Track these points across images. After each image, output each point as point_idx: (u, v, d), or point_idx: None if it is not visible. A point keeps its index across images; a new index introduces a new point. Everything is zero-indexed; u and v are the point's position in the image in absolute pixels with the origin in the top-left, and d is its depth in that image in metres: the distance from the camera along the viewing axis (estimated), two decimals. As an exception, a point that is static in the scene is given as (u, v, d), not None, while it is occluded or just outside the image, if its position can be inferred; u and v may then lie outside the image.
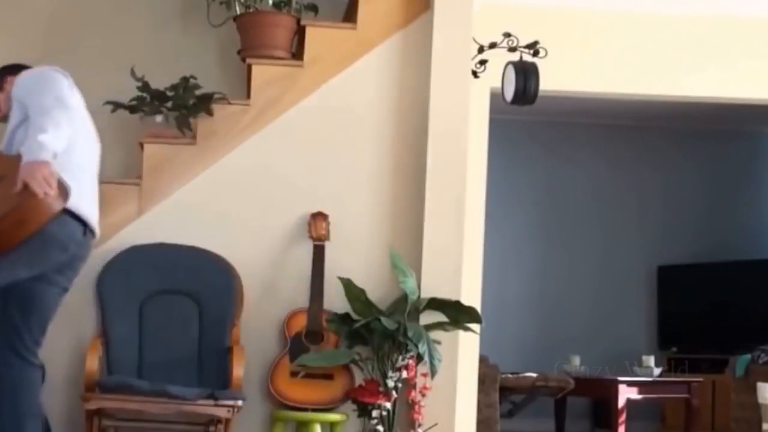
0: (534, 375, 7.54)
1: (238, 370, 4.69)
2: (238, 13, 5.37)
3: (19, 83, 3.99)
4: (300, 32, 5.33)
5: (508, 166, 9.70)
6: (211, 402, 4.46)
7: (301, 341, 4.88)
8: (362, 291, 4.86)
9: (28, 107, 3.86)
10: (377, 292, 4.96)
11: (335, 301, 4.88)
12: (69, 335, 4.83)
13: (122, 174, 5.28)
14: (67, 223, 3.87)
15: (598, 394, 8.48)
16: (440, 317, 4.91)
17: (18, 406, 3.90)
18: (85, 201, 3.97)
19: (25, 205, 3.60)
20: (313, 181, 5.12)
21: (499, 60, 5.67)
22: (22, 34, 5.64)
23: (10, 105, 4.08)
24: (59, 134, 3.73)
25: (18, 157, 3.68)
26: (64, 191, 3.69)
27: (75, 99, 4.02)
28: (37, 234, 3.69)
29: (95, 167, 4.16)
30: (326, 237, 5.01)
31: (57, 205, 3.66)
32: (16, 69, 4.21)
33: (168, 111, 5.14)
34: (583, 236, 10.17)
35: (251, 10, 5.35)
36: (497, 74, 5.71)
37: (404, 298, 4.87)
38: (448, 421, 4.92)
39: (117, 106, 5.14)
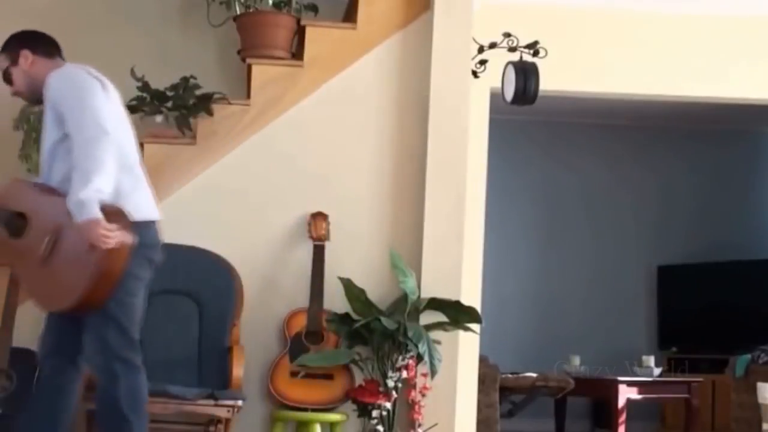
0: (534, 375, 7.54)
1: (238, 370, 4.69)
2: (238, 13, 5.38)
3: (53, 87, 3.79)
4: (300, 32, 5.33)
5: (508, 166, 9.70)
6: (211, 402, 4.46)
7: (301, 341, 4.88)
8: (362, 291, 4.86)
9: (66, 123, 3.73)
10: (377, 292, 4.97)
11: (335, 301, 4.88)
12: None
13: (122, 174, 5.28)
14: (150, 227, 3.84)
15: (598, 394, 8.48)
16: (440, 317, 4.91)
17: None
18: (149, 200, 3.92)
19: (102, 262, 3.60)
20: (313, 181, 5.13)
21: (499, 60, 5.67)
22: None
23: (27, 85, 3.92)
24: (106, 173, 3.62)
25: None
26: (126, 223, 3.66)
27: (113, 103, 3.87)
28: (137, 251, 3.70)
29: (138, 157, 4.04)
30: (326, 237, 5.01)
31: (127, 242, 3.65)
32: (34, 42, 3.96)
33: (168, 111, 5.14)
34: (583, 236, 10.17)
35: (251, 10, 5.36)
36: (497, 74, 5.71)
37: (404, 298, 4.87)
38: (448, 421, 4.92)
39: (117, 106, 5.13)
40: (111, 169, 3.64)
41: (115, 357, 3.68)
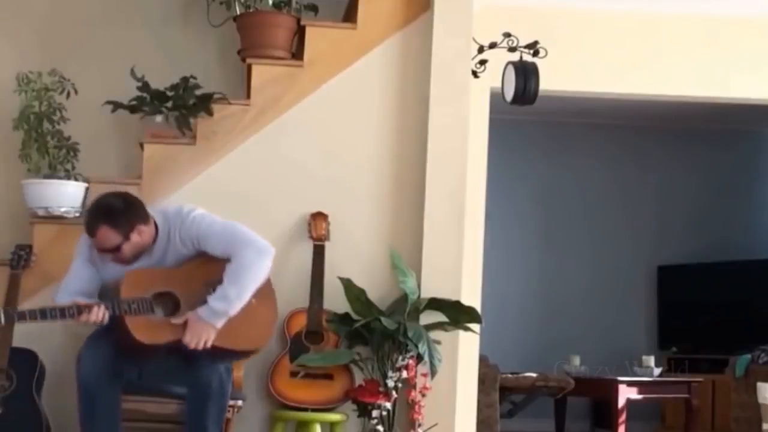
0: (534, 375, 7.55)
1: (238, 370, 4.68)
2: (238, 13, 5.37)
3: (195, 229, 4.07)
4: (300, 32, 5.33)
5: (508, 166, 9.70)
6: (212, 402, 4.45)
7: (301, 341, 4.88)
8: (362, 291, 4.86)
9: (221, 248, 4.09)
10: (377, 292, 4.96)
11: (335, 301, 4.88)
12: (69, 335, 4.82)
13: (122, 174, 5.29)
14: None
15: (598, 394, 8.49)
16: (440, 317, 4.91)
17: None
18: None
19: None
20: (313, 181, 5.12)
21: (499, 60, 5.67)
22: (22, 34, 5.63)
23: (133, 252, 4.04)
24: (243, 299, 4.01)
25: None
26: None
27: None
28: None
29: None
30: (326, 237, 5.01)
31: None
32: (141, 215, 4.04)
33: (168, 111, 5.14)
34: (583, 236, 10.17)
35: (251, 10, 5.35)
36: (497, 74, 5.70)
37: (404, 298, 4.87)
38: (448, 421, 4.92)
39: (117, 106, 5.13)
40: (246, 297, 4.03)
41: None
